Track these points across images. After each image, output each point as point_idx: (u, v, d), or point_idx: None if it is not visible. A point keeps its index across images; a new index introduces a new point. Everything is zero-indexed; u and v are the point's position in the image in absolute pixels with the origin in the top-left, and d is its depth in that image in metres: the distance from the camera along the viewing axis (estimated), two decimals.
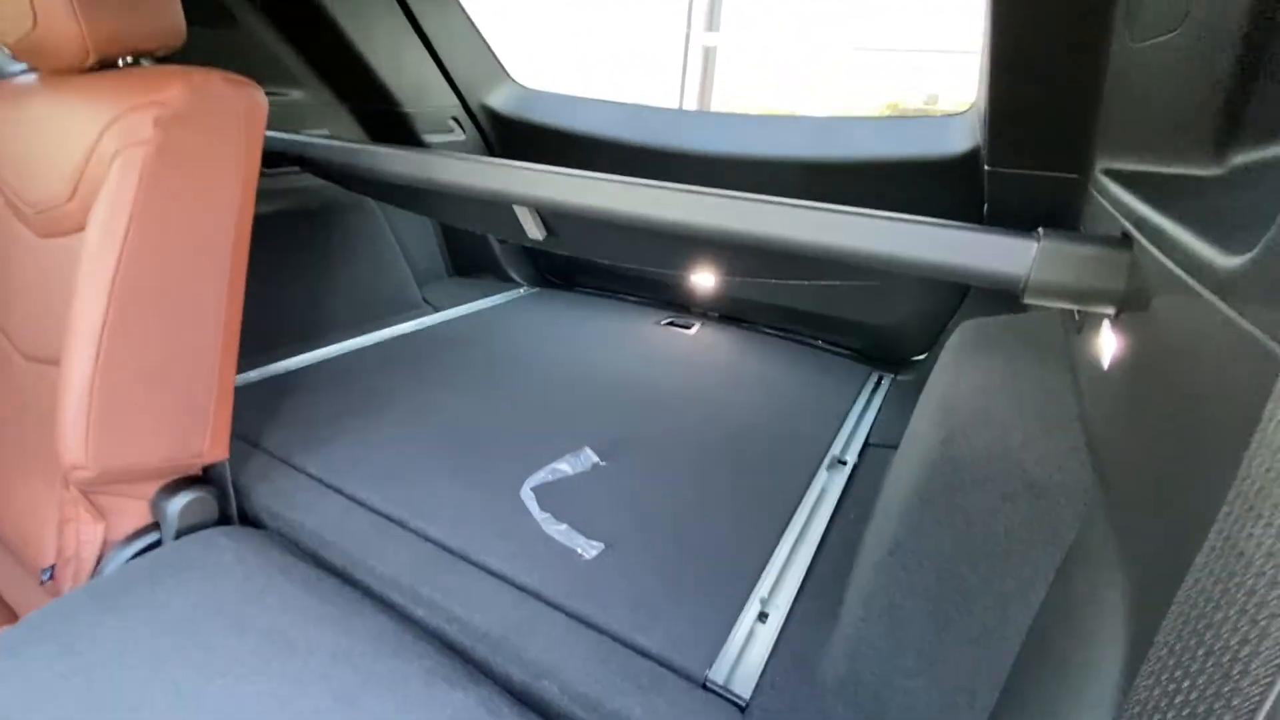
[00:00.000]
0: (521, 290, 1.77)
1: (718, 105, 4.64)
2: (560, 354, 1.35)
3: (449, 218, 1.18)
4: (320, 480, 0.88)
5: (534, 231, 0.93)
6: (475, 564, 0.75)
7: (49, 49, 0.71)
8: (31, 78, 0.82)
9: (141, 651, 0.57)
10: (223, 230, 0.73)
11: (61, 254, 0.73)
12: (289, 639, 0.60)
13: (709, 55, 4.52)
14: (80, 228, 0.69)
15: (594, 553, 0.76)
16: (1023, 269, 0.51)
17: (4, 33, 0.72)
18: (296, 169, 1.10)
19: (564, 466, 0.91)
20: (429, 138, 1.47)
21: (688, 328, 1.54)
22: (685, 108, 4.57)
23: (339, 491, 0.86)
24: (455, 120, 1.51)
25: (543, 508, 0.83)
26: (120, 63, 0.76)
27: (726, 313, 1.63)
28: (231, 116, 0.71)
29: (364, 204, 1.42)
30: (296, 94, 1.33)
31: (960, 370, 0.65)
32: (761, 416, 1.13)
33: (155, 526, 0.78)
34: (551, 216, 0.92)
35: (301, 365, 1.20)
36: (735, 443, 1.04)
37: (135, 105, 0.66)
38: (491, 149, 1.61)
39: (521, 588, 0.71)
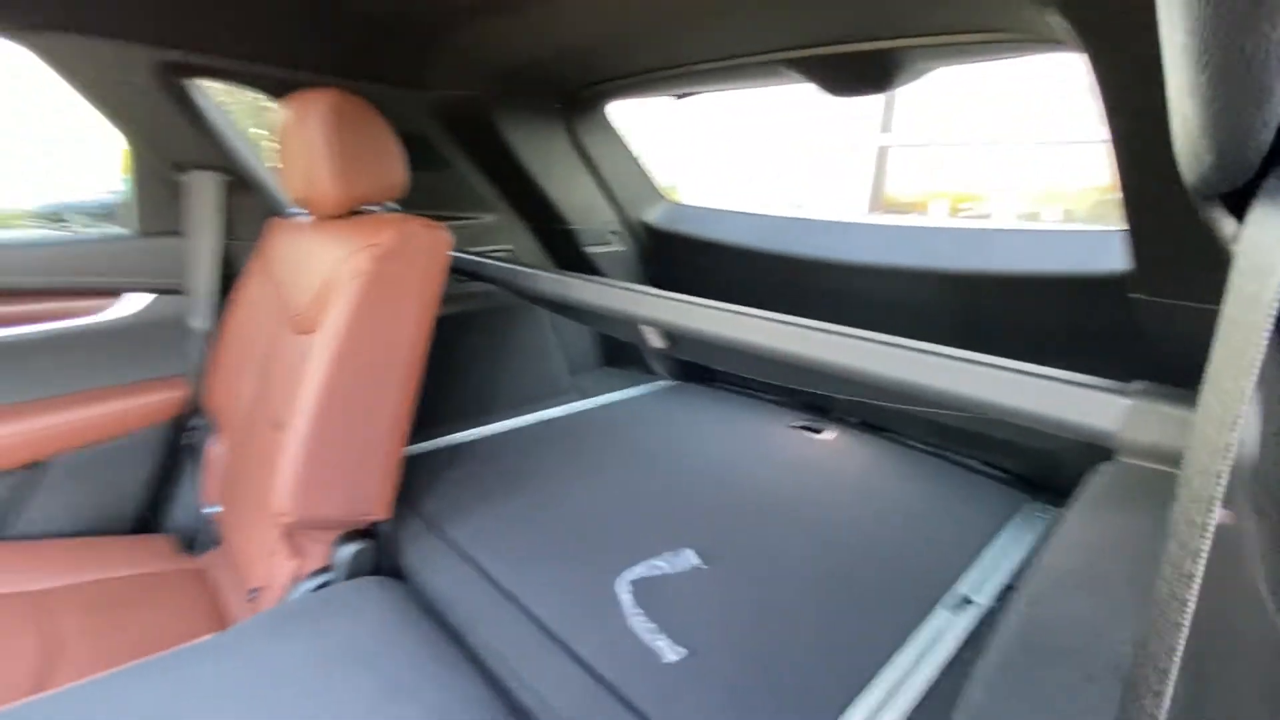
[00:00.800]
0: (662, 383, 1.88)
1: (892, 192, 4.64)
2: (685, 449, 1.40)
3: (587, 321, 1.34)
4: (458, 548, 1.02)
5: (655, 340, 1.02)
6: (566, 649, 0.80)
7: (318, 201, 0.99)
8: (307, 218, 1.13)
9: (293, 672, 0.71)
10: (408, 335, 0.93)
11: (303, 347, 0.97)
12: (399, 685, 0.70)
13: (882, 155, 4.54)
14: (312, 331, 0.93)
15: (675, 657, 0.78)
16: (1113, 424, 0.48)
17: (293, 189, 1.03)
18: (477, 281, 1.34)
19: (663, 564, 0.95)
20: (592, 249, 1.68)
21: (820, 433, 1.51)
22: (865, 205, 4.60)
23: (469, 560, 0.98)
24: (615, 234, 1.71)
25: (636, 603, 0.87)
26: (363, 210, 1.03)
27: (867, 420, 1.57)
28: (423, 251, 0.92)
29: (529, 305, 1.66)
30: (489, 217, 1.62)
31: (1074, 520, 0.59)
32: (885, 538, 1.07)
33: (330, 568, 0.97)
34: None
35: (460, 441, 1.40)
36: (849, 564, 1.00)
37: (361, 245, 0.89)
38: (646, 258, 1.79)
39: (599, 679, 0.75)
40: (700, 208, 1.75)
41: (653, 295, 0.95)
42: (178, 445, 1.31)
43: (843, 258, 1.35)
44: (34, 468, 1.16)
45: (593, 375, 1.89)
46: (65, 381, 1.18)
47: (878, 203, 4.67)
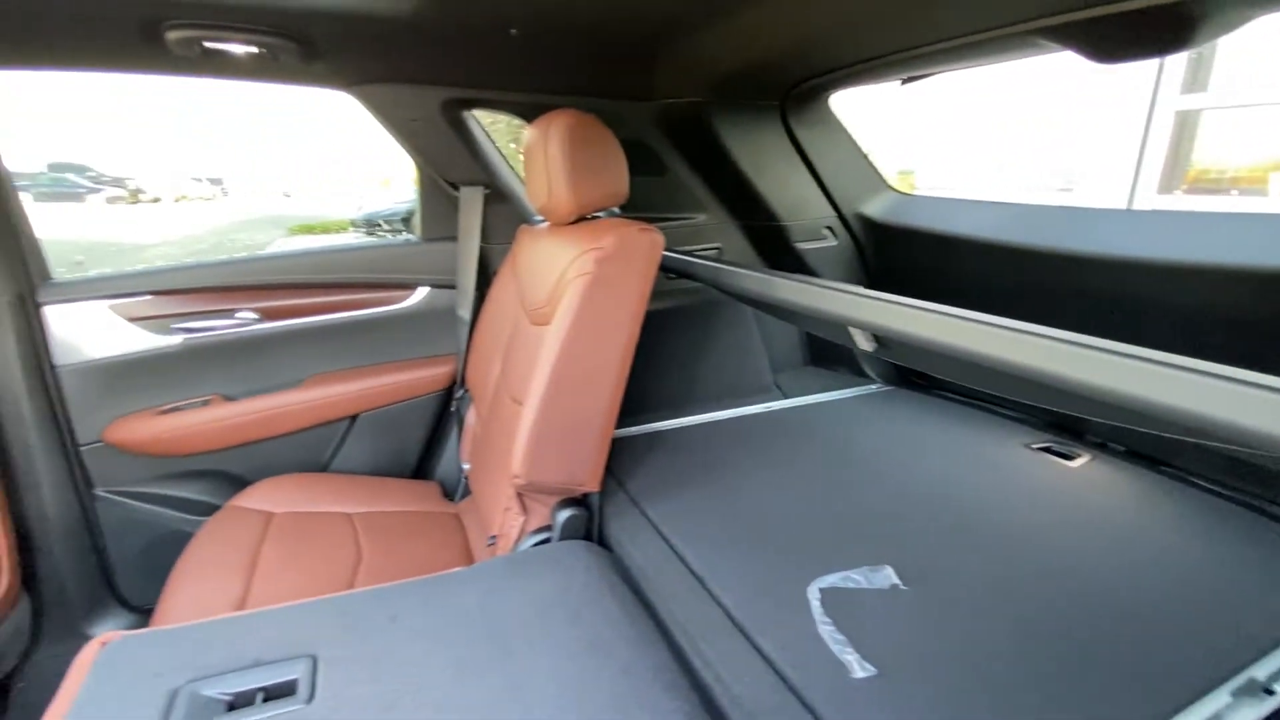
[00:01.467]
0: (875, 387, 1.77)
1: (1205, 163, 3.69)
2: (895, 459, 1.31)
3: (793, 320, 1.31)
4: (656, 526, 1.09)
5: (863, 343, 0.98)
6: (750, 640, 0.82)
7: (554, 210, 1.13)
8: (545, 225, 1.30)
9: (515, 612, 0.84)
10: (624, 328, 1.03)
11: (537, 336, 1.13)
12: (597, 639, 0.79)
13: (1182, 121, 3.63)
14: (548, 321, 1.07)
15: (863, 674, 0.75)
16: None
17: (535, 199, 1.18)
18: (686, 279, 1.41)
19: (859, 578, 0.91)
20: (802, 245, 1.64)
21: (1070, 458, 1.29)
22: (1143, 187, 3.76)
23: (666, 539, 1.05)
24: (829, 229, 1.66)
25: (825, 611, 0.85)
26: (590, 216, 1.15)
27: (1135, 447, 1.30)
28: (639, 253, 1.00)
29: (735, 302, 1.68)
30: (701, 217, 1.68)
31: None
32: (1151, 594, 0.89)
33: (549, 527, 1.11)
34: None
35: (663, 428, 1.48)
36: (1096, 617, 0.85)
37: (586, 249, 1.00)
38: (863, 253, 1.70)
39: (783, 677, 0.75)
40: (931, 198, 1.61)
41: (863, 296, 0.91)
42: (445, 411, 1.60)
43: (1111, 252, 1.14)
44: (351, 419, 1.52)
45: (797, 374, 1.86)
46: (373, 354, 1.53)
47: (1176, 180, 3.76)
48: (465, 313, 1.51)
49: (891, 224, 1.59)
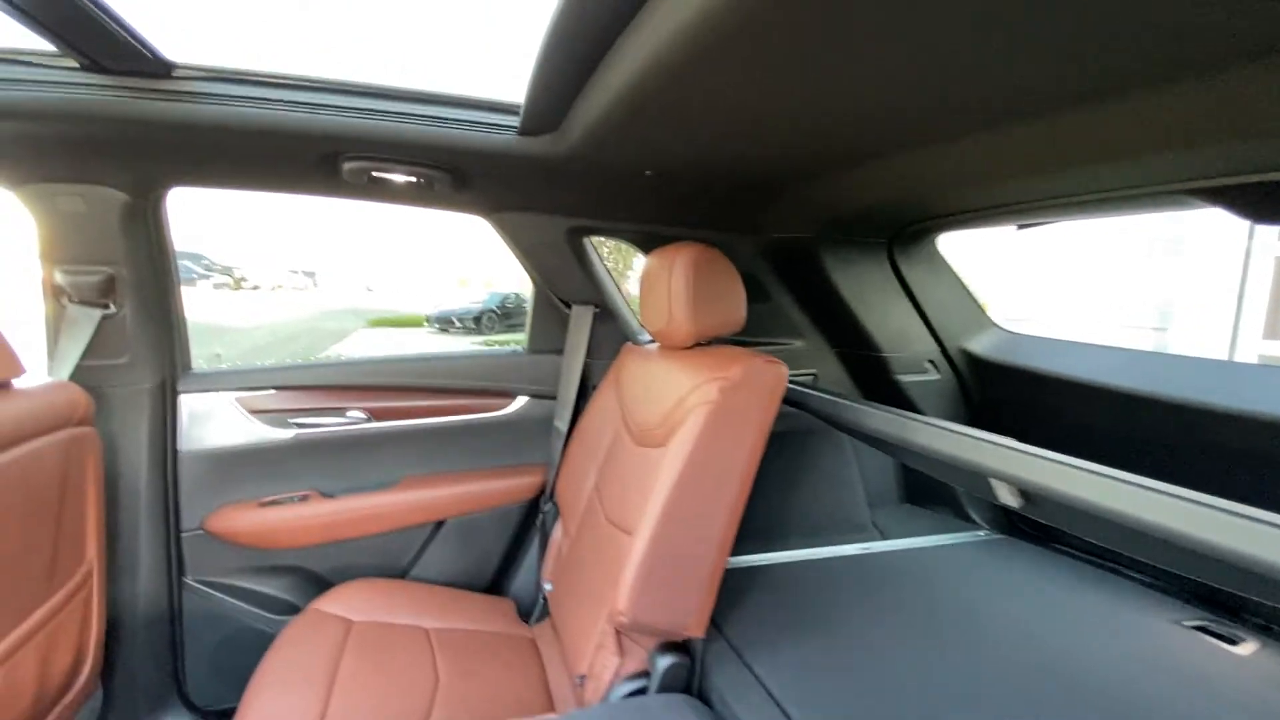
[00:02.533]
0: (981, 534, 1.63)
1: None
2: (1025, 624, 1.17)
3: (912, 462, 1.25)
4: (763, 683, 0.99)
5: (1007, 497, 0.90)
6: None
7: (672, 335, 1.15)
8: (654, 346, 1.32)
9: None
10: (743, 460, 0.99)
11: (643, 458, 1.10)
12: None
13: None
14: (660, 444, 1.05)
15: None
16: None
17: (652, 323, 1.21)
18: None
19: None
20: (903, 378, 1.60)
21: (1233, 642, 1.12)
22: (1246, 330, 3.58)
23: (776, 702, 0.95)
24: (931, 363, 1.61)
25: None
26: (708, 342, 1.16)
27: None
28: (764, 385, 0.99)
29: (832, 431, 1.63)
30: (798, 343, 1.68)
31: None
32: None
33: (646, 673, 1.02)
34: None
35: (760, 563, 1.39)
36: None
37: (711, 377, 0.99)
38: (966, 389, 1.64)
39: None
40: (1040, 337, 1.56)
41: (1013, 449, 0.85)
42: (529, 522, 1.57)
43: (1251, 408, 1.05)
44: (437, 525, 1.50)
45: (894, 512, 1.75)
46: (467, 459, 1.54)
47: None
48: (562, 424, 1.51)
49: (998, 361, 1.54)
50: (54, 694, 1.02)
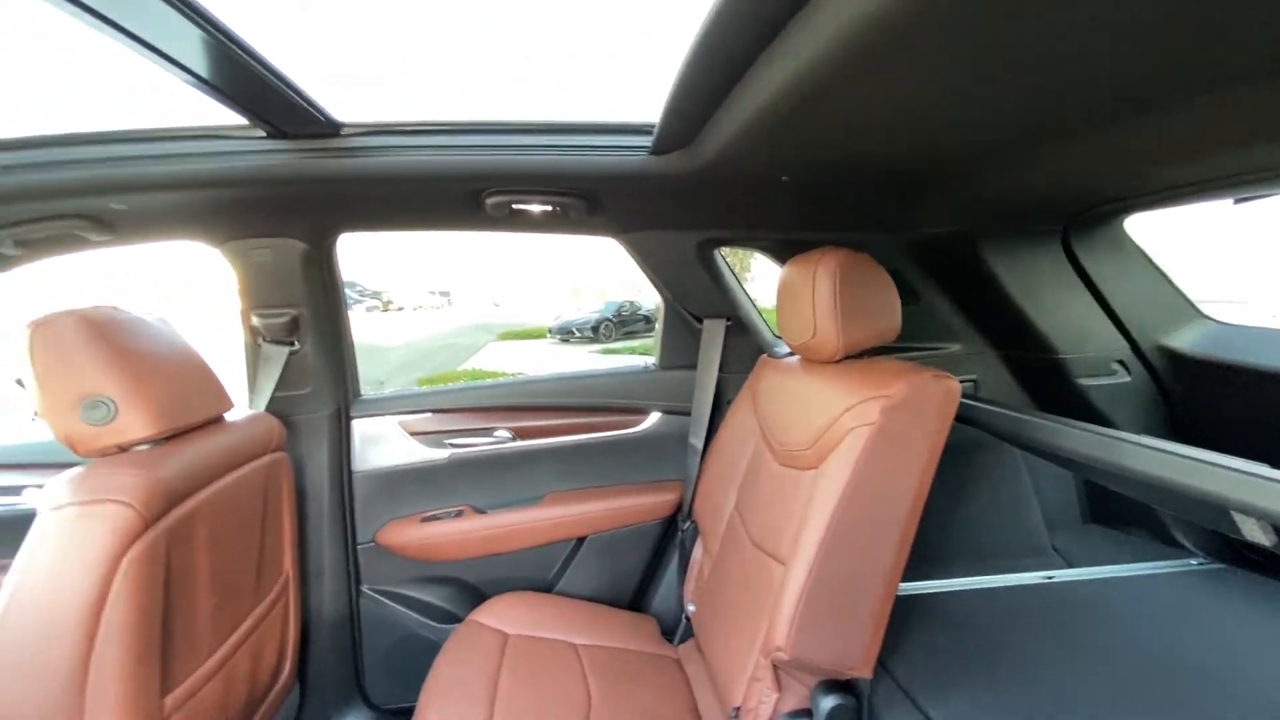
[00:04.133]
0: (1193, 562, 1.38)
1: None
2: (1244, 677, 0.96)
3: (1114, 485, 1.07)
4: None
5: (1257, 534, 0.74)
6: None
7: (818, 349, 1.08)
8: (794, 360, 1.25)
9: None
10: (912, 486, 0.90)
11: (791, 480, 1.04)
12: None
13: None
14: (810, 467, 0.98)
15: None
16: None
17: (792, 336, 1.14)
18: None
19: None
20: (1084, 381, 1.40)
21: None
22: None
23: None
24: (1121, 364, 1.40)
25: None
26: (858, 354, 1.08)
27: None
28: (933, 404, 0.89)
29: (1001, 445, 1.46)
30: (955, 346, 1.53)
31: None
32: None
33: (808, 713, 0.96)
34: None
35: (926, 591, 1.27)
36: None
37: (868, 395, 0.91)
38: (1166, 393, 1.40)
39: None
40: (1263, 329, 1.29)
41: (1256, 475, 0.69)
42: (668, 539, 1.56)
43: None
44: (579, 541, 1.53)
45: (1077, 534, 1.53)
46: (605, 476, 1.55)
47: None
48: (698, 441, 1.48)
49: (1208, 359, 1.30)
50: (262, 691, 1.16)
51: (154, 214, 1.14)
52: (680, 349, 1.57)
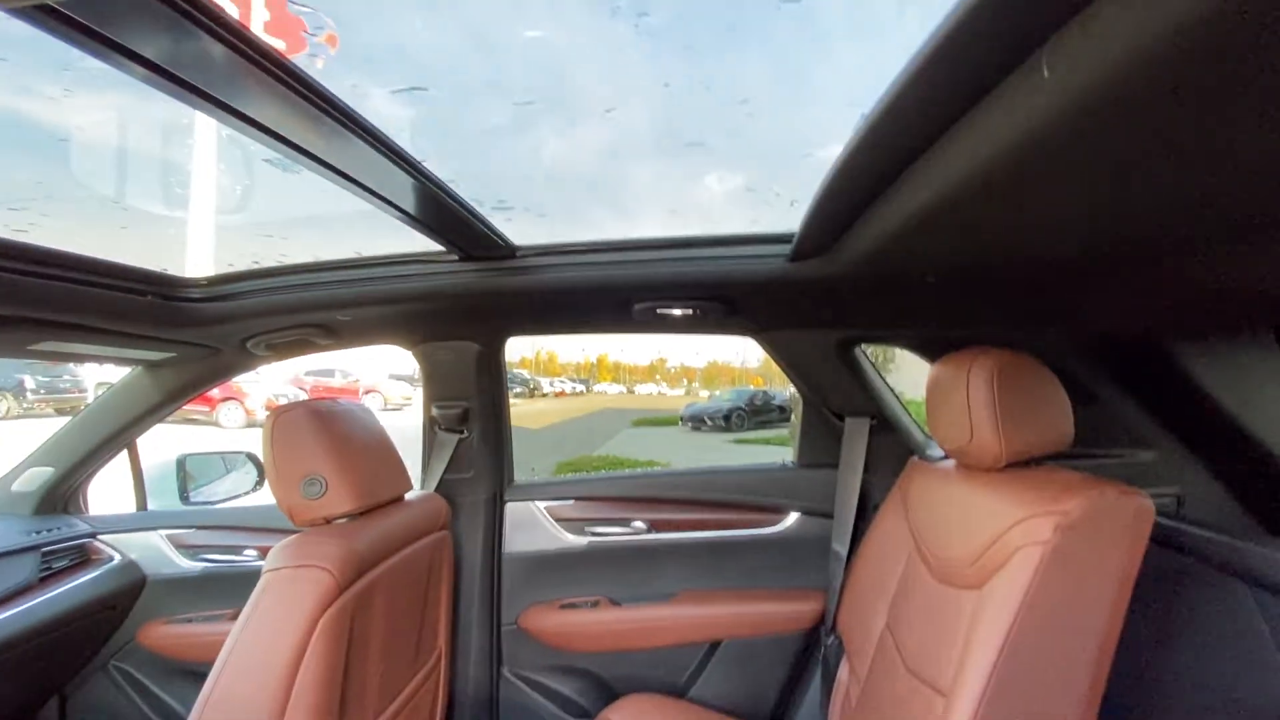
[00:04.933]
0: None
1: None
2: None
3: None
4: None
5: None
6: None
7: (974, 455, 1.01)
8: (949, 464, 1.17)
9: None
10: (1099, 618, 0.79)
11: (950, 601, 0.94)
12: None
13: None
14: (972, 586, 0.89)
15: None
16: None
17: (947, 440, 1.08)
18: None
19: None
20: None
21: None
22: None
23: None
24: None
25: None
26: (1025, 462, 0.99)
27: None
28: (1120, 525, 0.79)
29: (1229, 585, 1.22)
30: (1146, 454, 1.33)
31: None
32: None
33: None
34: None
35: None
36: None
37: (1040, 511, 0.83)
38: None
39: None
40: None
41: None
42: (809, 653, 1.45)
43: None
44: (713, 645, 1.48)
45: None
46: (741, 577, 1.51)
47: None
48: (841, 547, 1.40)
49: None
50: None
51: (368, 323, 1.37)
52: (820, 447, 1.53)
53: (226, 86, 0.58)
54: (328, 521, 1.05)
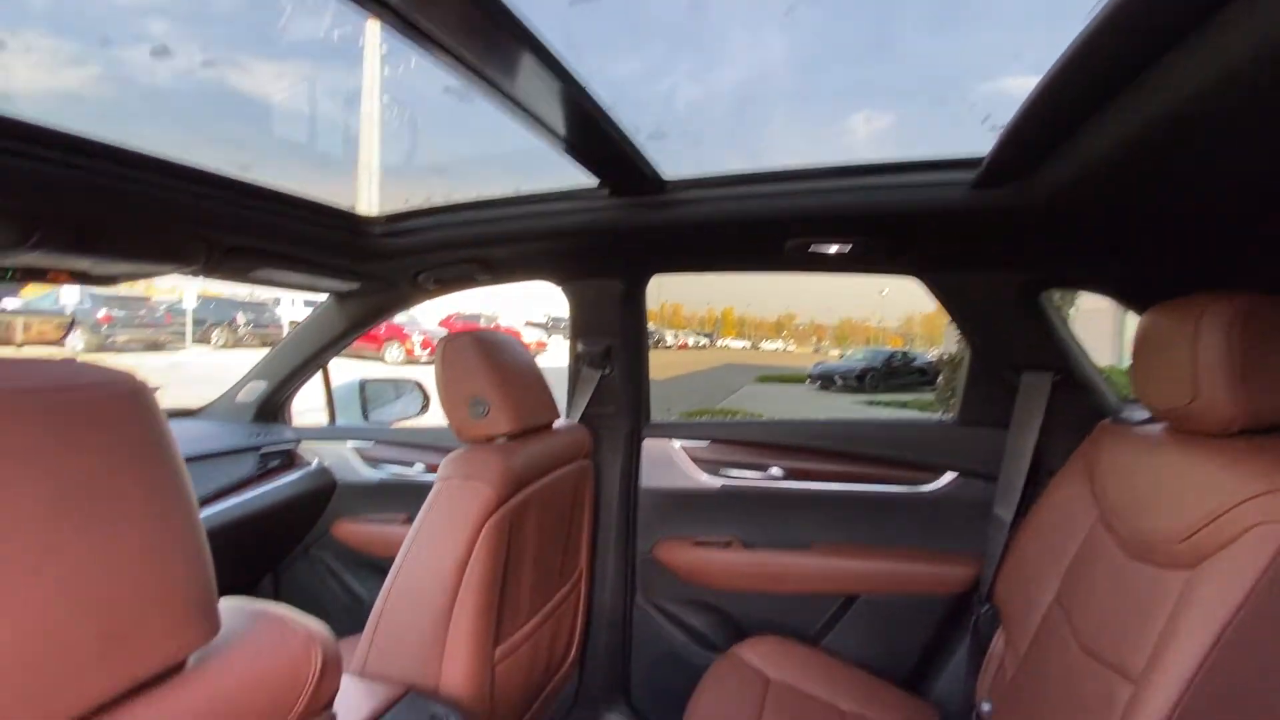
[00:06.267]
0: None
1: None
2: None
3: None
4: None
5: None
6: None
7: (1196, 417, 0.85)
8: (1153, 429, 1.00)
9: None
10: None
11: (1147, 579, 0.82)
12: None
13: None
14: (1180, 566, 0.77)
15: None
16: None
17: (1160, 400, 0.92)
18: None
19: None
20: None
21: None
22: None
23: None
24: None
25: None
26: (1264, 430, 0.82)
27: None
28: None
29: None
30: None
31: None
32: None
33: None
34: None
35: None
36: None
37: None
38: None
39: None
40: None
41: None
42: (957, 622, 1.37)
43: None
44: (849, 599, 1.44)
45: None
46: (883, 535, 1.44)
47: None
48: (1006, 512, 1.28)
49: None
50: (555, 666, 1.32)
51: (521, 258, 1.44)
52: (987, 404, 1.39)
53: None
54: (489, 440, 1.13)
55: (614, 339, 1.53)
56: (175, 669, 0.46)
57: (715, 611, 1.55)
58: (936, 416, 1.53)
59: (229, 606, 0.55)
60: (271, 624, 0.54)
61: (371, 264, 1.39)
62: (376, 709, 0.90)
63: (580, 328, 1.56)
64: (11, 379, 0.37)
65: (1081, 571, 1.00)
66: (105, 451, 0.40)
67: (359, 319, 1.67)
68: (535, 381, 1.25)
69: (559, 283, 1.54)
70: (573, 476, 1.31)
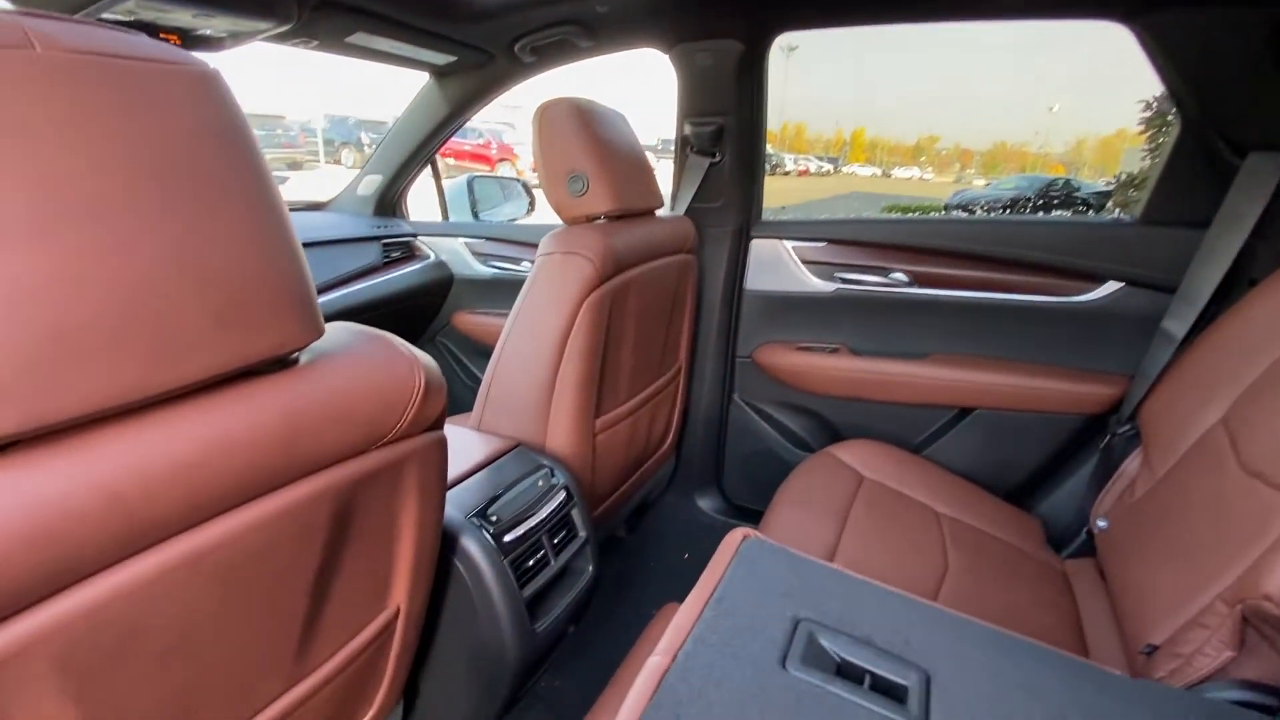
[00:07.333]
0: None
1: None
2: None
3: None
4: None
5: None
6: None
7: None
8: None
9: None
10: None
11: None
12: None
13: None
14: None
15: None
16: None
17: None
18: None
19: None
20: None
21: None
22: None
23: None
24: None
25: None
26: None
27: None
28: None
29: None
30: None
31: None
32: None
33: (1273, 689, 0.69)
34: None
35: None
36: None
37: None
38: None
39: None
40: None
41: None
42: (1086, 441, 1.26)
43: None
44: (962, 411, 1.36)
45: None
46: (1016, 348, 1.30)
47: None
48: (1178, 327, 1.09)
49: None
50: (654, 447, 1.40)
51: (624, 18, 1.26)
52: (1186, 196, 1.12)
53: None
54: (589, 220, 1.09)
55: (728, 117, 1.37)
56: (287, 364, 0.48)
57: (813, 415, 1.53)
58: (1116, 218, 1.28)
59: (340, 325, 0.58)
60: (379, 342, 0.56)
61: (467, 26, 1.29)
62: (490, 454, 1.00)
63: (688, 105, 1.40)
64: (70, 40, 0.35)
65: (1269, 392, 0.85)
66: (181, 132, 0.39)
67: (460, 100, 1.60)
68: (638, 162, 1.15)
69: (666, 49, 1.36)
70: (674, 270, 1.25)
